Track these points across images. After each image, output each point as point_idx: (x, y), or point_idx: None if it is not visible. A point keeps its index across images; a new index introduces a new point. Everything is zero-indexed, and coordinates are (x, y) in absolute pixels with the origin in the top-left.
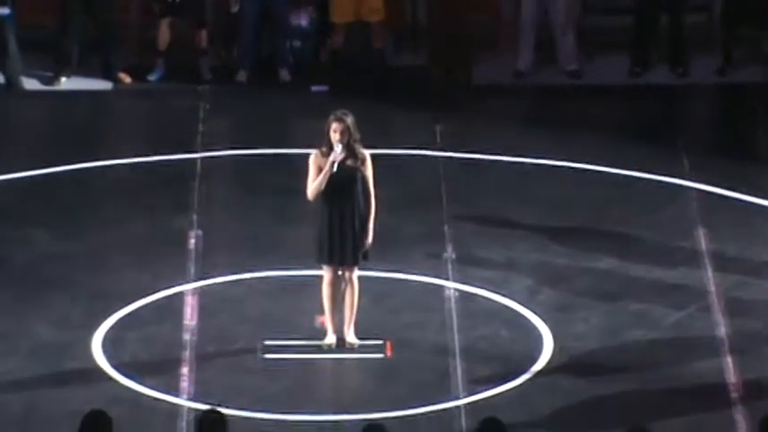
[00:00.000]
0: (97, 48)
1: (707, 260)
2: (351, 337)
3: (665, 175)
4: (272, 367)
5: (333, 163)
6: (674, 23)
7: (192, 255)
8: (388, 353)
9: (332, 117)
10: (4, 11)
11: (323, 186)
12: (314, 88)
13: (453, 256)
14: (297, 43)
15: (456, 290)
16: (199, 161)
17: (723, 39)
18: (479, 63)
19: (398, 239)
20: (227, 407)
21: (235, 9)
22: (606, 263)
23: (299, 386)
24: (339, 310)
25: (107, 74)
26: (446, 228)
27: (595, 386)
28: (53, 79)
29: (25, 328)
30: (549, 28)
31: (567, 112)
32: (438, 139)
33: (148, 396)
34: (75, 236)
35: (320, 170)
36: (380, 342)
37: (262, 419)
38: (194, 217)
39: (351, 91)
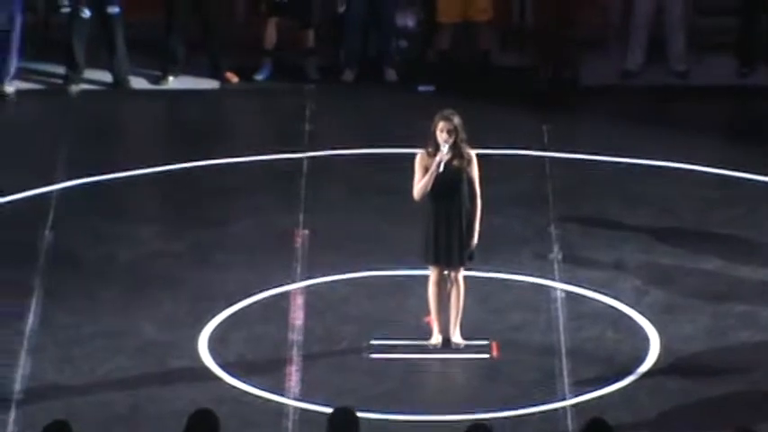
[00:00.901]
0: (204, 47)
1: None
2: (456, 338)
3: None
4: (377, 367)
5: (439, 163)
6: None
7: (299, 254)
8: (494, 353)
9: (439, 116)
10: (114, 9)
11: (429, 187)
12: (420, 88)
13: (560, 257)
14: (403, 43)
15: (562, 290)
16: (305, 161)
17: None
18: (586, 63)
19: (504, 240)
20: (334, 406)
21: (341, 9)
22: (713, 264)
23: (405, 386)
24: (445, 310)
25: (214, 73)
26: (552, 228)
27: (701, 388)
28: (161, 78)
29: (132, 327)
30: (660, 27)
31: (674, 113)
32: (545, 140)
33: (254, 395)
34: (181, 234)
35: (426, 170)
36: (486, 342)
37: (368, 419)
38: (301, 216)
39: (457, 91)
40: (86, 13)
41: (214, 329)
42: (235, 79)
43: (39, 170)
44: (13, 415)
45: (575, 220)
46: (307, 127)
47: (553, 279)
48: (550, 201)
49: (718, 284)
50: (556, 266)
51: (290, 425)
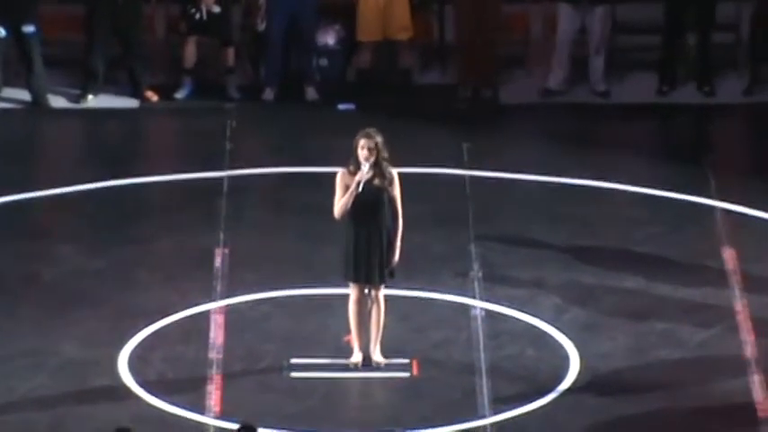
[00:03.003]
0: (124, 65)
1: (734, 280)
2: (377, 356)
3: (691, 194)
4: (298, 386)
5: (359, 182)
6: (701, 43)
7: (219, 273)
8: (415, 371)
9: (360, 134)
10: (29, 28)
11: (349, 205)
12: (341, 106)
13: (480, 275)
14: (324, 61)
15: (482, 309)
16: (226, 179)
17: (750, 58)
18: (507, 82)
19: (425, 258)
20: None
21: (261, 27)
22: (633, 282)
23: (325, 405)
24: (365, 328)
25: (134, 91)
26: (473, 246)
27: (622, 405)
28: (80, 97)
29: (52, 345)
30: (582, 46)
31: (595, 131)
32: (465, 158)
33: (174, 414)
34: (102, 253)
35: (347, 188)
36: (407, 361)
37: None
38: (221, 235)
39: (378, 109)
40: (2, 33)
41: (134, 348)
42: (155, 98)
43: None
44: None
45: (495, 239)
46: (227, 145)
47: (473, 297)
48: (471, 219)
49: (639, 303)
50: (476, 285)
51: None
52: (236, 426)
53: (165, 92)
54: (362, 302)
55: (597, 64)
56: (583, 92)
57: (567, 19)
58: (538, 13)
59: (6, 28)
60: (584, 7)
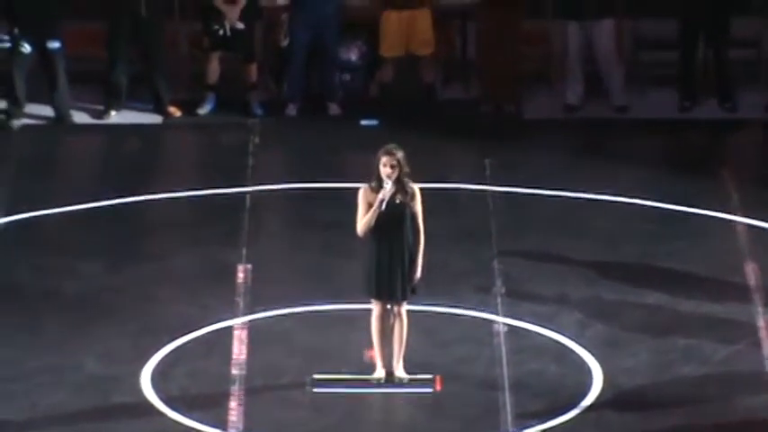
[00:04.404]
0: (147, 81)
1: (756, 295)
2: (400, 372)
3: (714, 209)
4: (320, 401)
5: (382, 201)
6: (717, 58)
7: (242, 288)
8: (438, 387)
9: (382, 151)
10: (55, 44)
11: (372, 223)
12: (363, 122)
13: (503, 291)
14: (346, 77)
15: (505, 324)
16: (248, 195)
17: None
18: (531, 97)
19: (448, 274)
20: None
21: (284, 43)
22: (655, 297)
23: (348, 420)
24: (388, 344)
25: (157, 107)
26: (495, 262)
27: (644, 422)
28: (103, 113)
29: (73, 361)
30: (595, 62)
31: (617, 147)
32: (487, 173)
33: (197, 430)
34: (125, 269)
35: (369, 205)
36: (430, 376)
37: None
38: (244, 251)
39: (400, 125)
40: (27, 48)
41: (157, 364)
42: (178, 113)
43: None
44: None
45: (517, 254)
46: (250, 161)
47: (496, 313)
48: (493, 235)
49: (661, 318)
50: (499, 300)
51: None
52: None
53: (188, 108)
54: (385, 318)
55: (613, 79)
56: (603, 107)
57: (573, 35)
58: (557, 29)
59: (31, 43)
60: (589, 23)
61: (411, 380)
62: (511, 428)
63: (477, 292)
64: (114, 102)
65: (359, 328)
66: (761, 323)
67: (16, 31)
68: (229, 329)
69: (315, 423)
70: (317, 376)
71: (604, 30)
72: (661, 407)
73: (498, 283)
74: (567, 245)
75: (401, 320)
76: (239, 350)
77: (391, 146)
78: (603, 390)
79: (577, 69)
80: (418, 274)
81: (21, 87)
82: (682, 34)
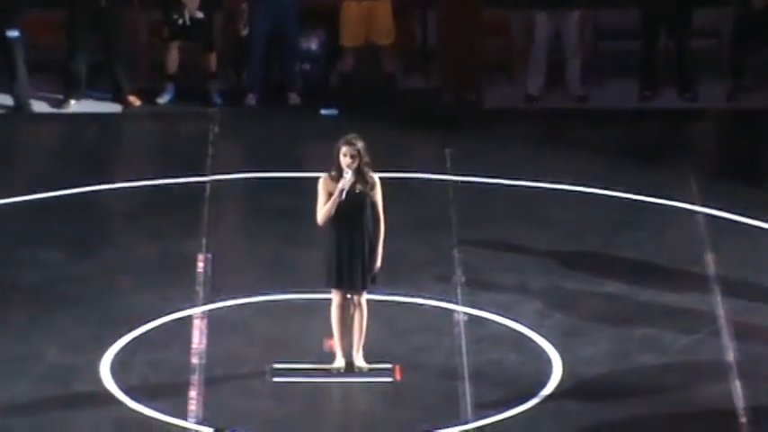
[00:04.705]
0: (106, 70)
1: (716, 285)
2: (359, 361)
3: (673, 199)
4: (280, 391)
5: (342, 191)
6: (678, 48)
7: (201, 278)
8: (397, 377)
9: (342, 141)
10: (13, 33)
11: (333, 212)
12: (324, 111)
13: (463, 280)
14: (306, 67)
15: (465, 314)
16: (208, 184)
17: (732, 64)
18: (491, 87)
19: (408, 263)
20: (236, 430)
21: (244, 32)
22: (615, 287)
23: (308, 410)
24: (348, 333)
25: (116, 97)
26: (455, 251)
27: (604, 411)
28: (62, 102)
29: (34, 351)
30: (559, 52)
31: (577, 137)
32: (447, 163)
33: (157, 419)
34: (83, 259)
35: (329, 194)
36: (389, 366)
37: None
38: (203, 240)
39: (360, 114)
40: None
41: (117, 353)
42: (137, 103)
43: None
44: None
45: (477, 244)
46: (209, 151)
47: (456, 302)
48: (453, 224)
49: (621, 307)
50: (459, 290)
51: None
52: (210, 430)
53: (148, 97)
54: (345, 307)
55: (574, 69)
56: (563, 97)
57: (542, 25)
58: (518, 19)
59: None
60: (560, 13)
61: (371, 369)
62: (470, 418)
63: (437, 281)
64: (74, 91)
65: (319, 318)
66: (720, 312)
67: None
68: (189, 319)
69: (275, 412)
70: (276, 366)
71: (574, 21)
72: (620, 396)
73: (458, 272)
74: (527, 234)
75: (361, 310)
76: (199, 340)
77: (351, 136)
78: (563, 379)
79: (542, 60)
80: (378, 263)
81: None
82: (643, 24)
